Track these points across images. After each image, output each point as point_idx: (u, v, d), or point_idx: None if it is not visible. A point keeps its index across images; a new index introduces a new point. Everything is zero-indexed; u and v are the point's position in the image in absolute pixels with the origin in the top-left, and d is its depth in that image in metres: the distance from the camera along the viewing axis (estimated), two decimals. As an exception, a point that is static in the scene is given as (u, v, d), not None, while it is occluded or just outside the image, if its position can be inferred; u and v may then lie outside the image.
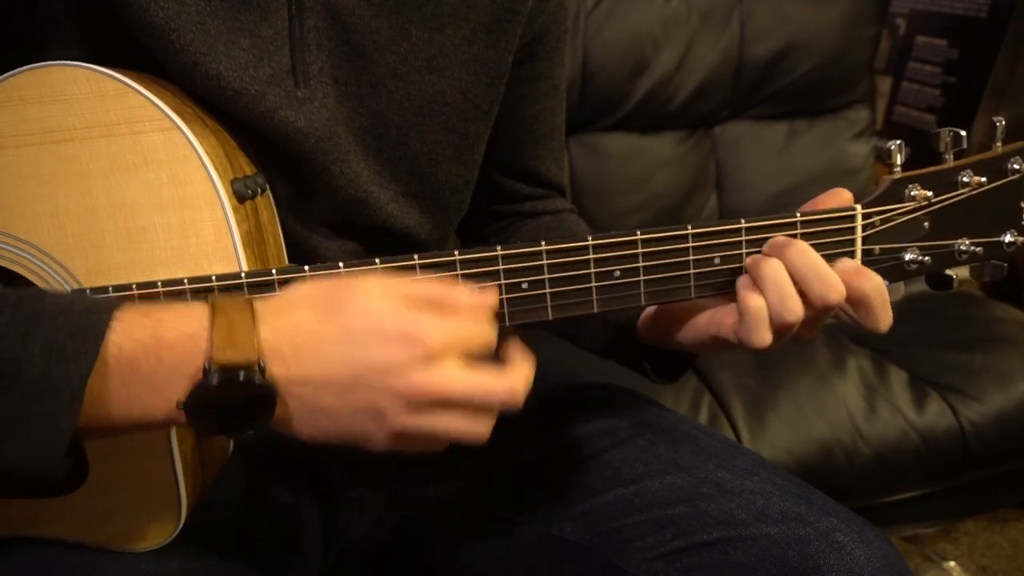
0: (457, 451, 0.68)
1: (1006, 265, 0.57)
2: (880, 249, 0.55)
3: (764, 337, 0.52)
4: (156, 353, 0.42)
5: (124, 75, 0.50)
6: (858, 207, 0.54)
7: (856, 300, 0.52)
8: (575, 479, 0.62)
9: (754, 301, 0.52)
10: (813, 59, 1.43)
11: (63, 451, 0.41)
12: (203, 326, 0.42)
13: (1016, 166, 0.56)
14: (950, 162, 0.55)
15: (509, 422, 0.68)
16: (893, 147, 0.55)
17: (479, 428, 0.45)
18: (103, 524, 0.51)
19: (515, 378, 0.46)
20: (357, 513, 0.71)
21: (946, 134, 0.55)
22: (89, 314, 0.41)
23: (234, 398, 0.41)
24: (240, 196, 0.52)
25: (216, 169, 0.50)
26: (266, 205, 0.57)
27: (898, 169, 0.55)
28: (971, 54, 1.51)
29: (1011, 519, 1.49)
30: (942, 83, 1.57)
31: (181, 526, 0.52)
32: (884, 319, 0.53)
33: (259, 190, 0.55)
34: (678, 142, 1.44)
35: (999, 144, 0.56)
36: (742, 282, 0.53)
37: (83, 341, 0.40)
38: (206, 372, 0.41)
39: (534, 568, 0.63)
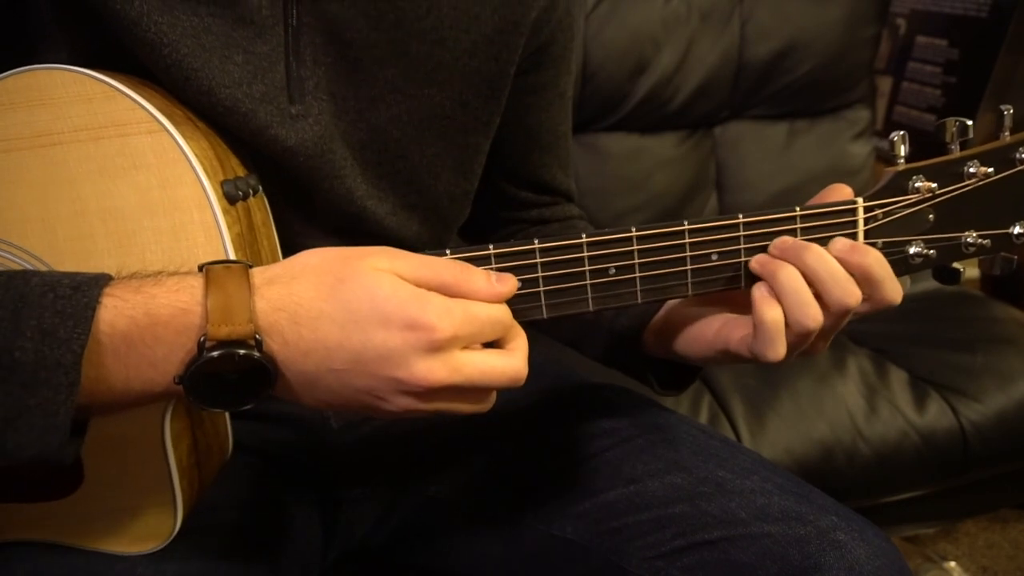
0: (456, 450, 0.68)
1: (1016, 258, 0.56)
2: (883, 243, 0.54)
3: (779, 350, 0.50)
4: (151, 331, 0.41)
5: (111, 77, 0.50)
6: (859, 200, 0.53)
7: (861, 278, 0.51)
8: (575, 479, 0.62)
9: (772, 313, 0.50)
10: (813, 59, 1.43)
11: (65, 435, 0.40)
12: (196, 300, 0.41)
13: None
14: (956, 152, 0.54)
15: (510, 422, 0.68)
16: (896, 138, 0.53)
17: (482, 406, 0.45)
18: (99, 528, 0.51)
19: (518, 359, 0.45)
20: (357, 514, 0.71)
21: (952, 124, 0.53)
22: (78, 293, 0.40)
23: (232, 372, 0.41)
24: (231, 198, 0.51)
25: (205, 171, 0.50)
26: (259, 206, 0.57)
27: (901, 160, 0.53)
28: (971, 54, 1.51)
29: (1011, 519, 1.49)
30: (942, 83, 1.57)
31: (178, 529, 0.51)
32: (893, 291, 0.51)
33: (251, 191, 0.55)
34: (678, 142, 1.44)
35: (1007, 133, 0.54)
36: (759, 293, 0.51)
37: (74, 323, 0.39)
38: (201, 348, 0.40)
39: (535, 568, 0.63)
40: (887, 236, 0.54)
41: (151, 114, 0.49)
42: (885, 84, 1.70)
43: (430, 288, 0.43)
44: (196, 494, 0.53)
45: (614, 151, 1.40)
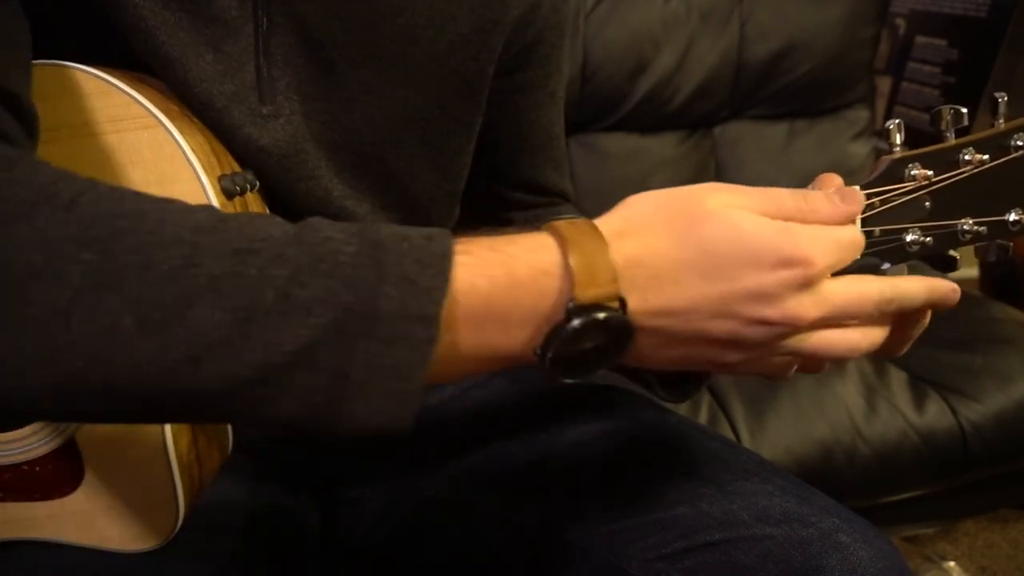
0: (456, 450, 0.68)
1: (1011, 245, 0.56)
2: (880, 231, 0.53)
3: None
4: (510, 293, 0.37)
5: (106, 73, 0.49)
6: (856, 188, 0.52)
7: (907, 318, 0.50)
8: (575, 479, 0.62)
9: None
10: (813, 59, 1.43)
11: (417, 404, 0.36)
12: (556, 261, 0.38)
13: (1020, 143, 0.53)
14: (951, 140, 0.54)
15: (509, 423, 0.68)
16: (892, 126, 0.53)
17: (869, 337, 0.42)
18: (100, 526, 0.51)
19: (909, 284, 0.43)
20: (356, 514, 0.71)
21: (947, 112, 0.53)
22: (433, 243, 0.36)
23: (593, 338, 0.38)
24: (228, 193, 0.51)
25: (203, 166, 0.49)
26: (257, 202, 0.57)
27: (897, 148, 0.53)
28: (971, 54, 1.51)
29: (1011, 519, 1.49)
30: (942, 83, 1.57)
31: (178, 527, 0.51)
32: (903, 347, 0.52)
33: (249, 186, 0.54)
34: (678, 142, 1.44)
35: (1002, 121, 0.54)
36: None
37: (434, 272, 0.35)
38: (569, 313, 0.37)
39: (534, 569, 0.63)
40: (884, 224, 0.54)
41: (147, 109, 0.49)
42: (885, 84, 1.70)
43: (781, 216, 0.41)
44: (197, 491, 0.53)
45: (613, 151, 1.40)
